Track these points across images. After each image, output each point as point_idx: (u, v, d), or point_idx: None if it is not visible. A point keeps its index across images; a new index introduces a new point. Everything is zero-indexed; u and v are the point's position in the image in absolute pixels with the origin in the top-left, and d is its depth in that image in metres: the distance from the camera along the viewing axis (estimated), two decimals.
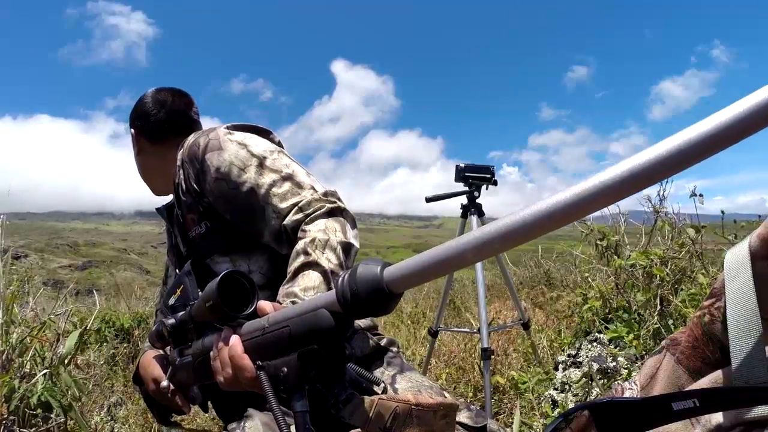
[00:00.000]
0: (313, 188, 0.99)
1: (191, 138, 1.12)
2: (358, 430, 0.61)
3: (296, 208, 0.96)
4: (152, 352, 1.06)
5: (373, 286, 0.47)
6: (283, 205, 0.97)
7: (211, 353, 0.71)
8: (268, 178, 0.99)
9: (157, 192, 1.31)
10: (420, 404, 0.60)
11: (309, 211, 0.95)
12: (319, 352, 0.56)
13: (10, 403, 1.03)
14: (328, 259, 0.89)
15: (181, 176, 1.11)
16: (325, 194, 0.98)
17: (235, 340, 0.66)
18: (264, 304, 0.67)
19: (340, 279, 0.51)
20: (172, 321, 0.81)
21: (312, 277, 0.87)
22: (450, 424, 0.61)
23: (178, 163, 1.12)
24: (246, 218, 1.03)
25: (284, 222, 0.96)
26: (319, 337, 0.55)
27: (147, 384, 1.02)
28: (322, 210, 0.94)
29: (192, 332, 0.79)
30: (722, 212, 2.02)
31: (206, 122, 1.31)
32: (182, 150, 1.12)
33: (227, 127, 1.11)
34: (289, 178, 1.00)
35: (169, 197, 1.30)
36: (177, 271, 1.23)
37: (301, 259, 0.89)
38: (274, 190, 0.98)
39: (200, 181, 1.06)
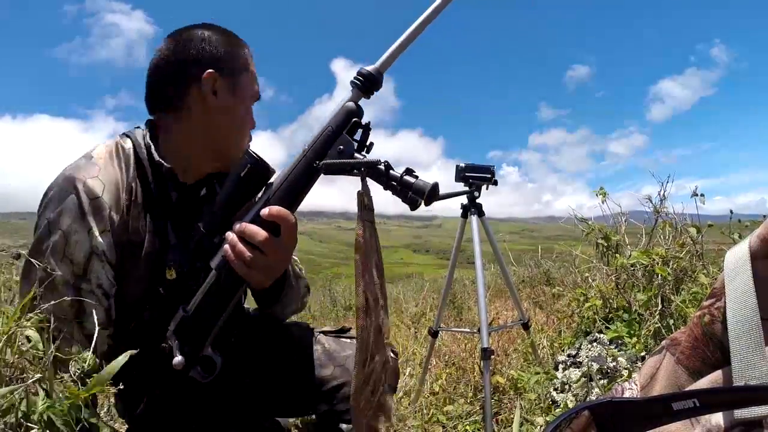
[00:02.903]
0: None
1: None
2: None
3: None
4: None
5: (376, 71, 0.81)
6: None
7: (230, 237, 0.80)
8: None
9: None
10: None
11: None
12: (359, 122, 0.80)
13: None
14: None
15: None
16: None
17: (256, 211, 0.81)
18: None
19: (355, 76, 0.82)
20: (167, 264, 0.89)
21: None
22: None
23: None
24: None
25: None
26: (355, 114, 0.80)
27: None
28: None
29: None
30: (731, 212, 2.04)
31: None
32: None
33: None
34: None
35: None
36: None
37: None
38: None
39: None
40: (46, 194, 0.89)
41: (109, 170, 0.91)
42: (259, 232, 0.78)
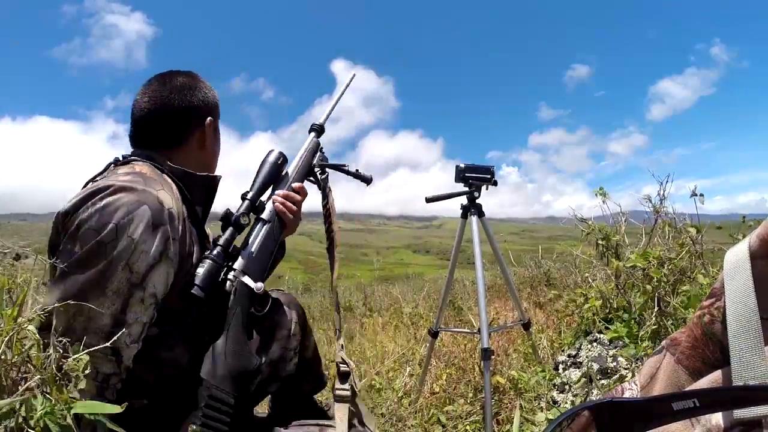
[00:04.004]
0: None
1: None
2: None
3: None
4: None
5: (322, 125, 1.38)
6: None
7: (278, 199, 1.17)
8: None
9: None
10: None
11: None
12: (321, 149, 1.35)
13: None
14: None
15: None
16: None
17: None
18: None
19: (312, 126, 1.37)
20: (240, 214, 1.07)
21: None
22: None
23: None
24: None
25: None
26: (319, 144, 1.35)
27: None
28: None
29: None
30: (743, 217, 2.04)
31: None
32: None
33: None
34: None
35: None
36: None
37: None
38: None
39: None
40: (98, 197, 0.87)
41: (168, 186, 0.98)
42: (297, 195, 1.21)
